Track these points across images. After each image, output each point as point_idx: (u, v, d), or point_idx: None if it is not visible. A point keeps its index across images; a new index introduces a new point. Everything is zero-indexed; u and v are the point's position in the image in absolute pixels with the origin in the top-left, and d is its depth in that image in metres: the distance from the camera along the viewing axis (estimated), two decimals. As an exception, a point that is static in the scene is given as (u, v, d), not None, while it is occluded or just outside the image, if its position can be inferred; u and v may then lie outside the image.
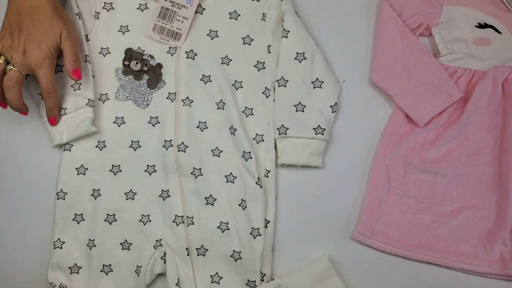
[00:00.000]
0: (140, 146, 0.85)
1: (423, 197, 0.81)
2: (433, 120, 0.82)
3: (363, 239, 0.80)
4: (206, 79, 0.86)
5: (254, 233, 0.80)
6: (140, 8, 0.88)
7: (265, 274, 0.79)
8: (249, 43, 0.87)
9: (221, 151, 0.84)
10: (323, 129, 0.82)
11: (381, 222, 0.80)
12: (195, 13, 0.87)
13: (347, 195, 0.83)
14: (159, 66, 0.88)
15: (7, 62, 0.77)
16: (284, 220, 0.83)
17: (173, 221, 0.82)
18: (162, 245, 0.81)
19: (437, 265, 0.79)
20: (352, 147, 0.85)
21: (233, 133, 0.84)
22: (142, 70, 0.88)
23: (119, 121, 0.86)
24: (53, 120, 0.82)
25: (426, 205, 0.81)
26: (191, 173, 0.83)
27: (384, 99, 0.86)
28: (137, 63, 0.88)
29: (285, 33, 0.85)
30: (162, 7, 0.87)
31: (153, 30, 0.87)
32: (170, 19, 0.87)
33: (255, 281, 0.79)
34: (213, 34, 0.87)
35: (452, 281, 0.79)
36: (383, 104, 0.86)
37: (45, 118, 0.83)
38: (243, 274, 0.79)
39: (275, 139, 0.84)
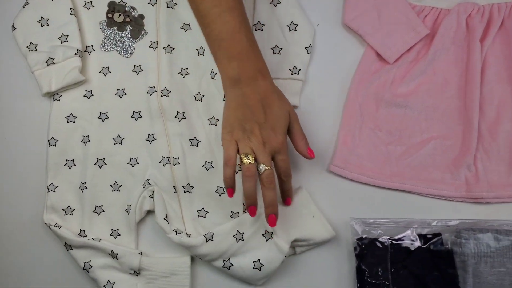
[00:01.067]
0: (126, 94, 0.89)
1: (394, 129, 0.86)
2: (402, 57, 0.87)
3: (338, 171, 0.85)
4: (186, 27, 0.90)
5: (237, 168, 0.85)
6: (120, -40, 0.92)
7: (247, 206, 0.85)
8: (226, -9, 0.91)
9: (203, 96, 0.88)
10: (298, 70, 0.87)
11: (354, 154, 0.85)
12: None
13: (323, 131, 0.88)
14: (141, 17, 0.91)
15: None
16: (265, 157, 0.88)
17: (160, 162, 0.86)
18: (150, 184, 0.86)
19: (408, 191, 0.85)
20: (326, 86, 0.89)
21: (213, 77, 0.88)
22: (125, 21, 0.91)
23: (105, 71, 0.90)
24: (289, 201, 0.82)
25: (397, 137, 0.86)
26: (175, 117, 0.87)
27: (356, 39, 0.90)
28: (120, 15, 0.92)
29: (259, -21, 0.89)
30: (141, -42, 0.90)
31: (134, -20, 0.90)
32: (150, -30, 0.90)
33: (238, 212, 0.84)
34: (191, -17, 0.91)
35: (422, 205, 0.85)
36: (355, 44, 0.90)
37: (33, 69, 0.88)
38: (227, 207, 0.84)
39: (253, 81, 0.89)
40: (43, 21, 0.89)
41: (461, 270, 0.79)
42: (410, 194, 0.85)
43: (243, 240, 0.81)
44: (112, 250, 0.83)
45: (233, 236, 0.81)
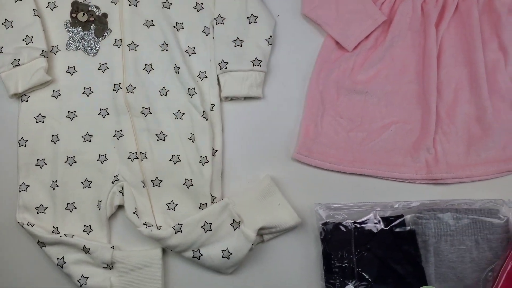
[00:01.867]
0: (93, 92, 0.91)
1: (355, 116, 0.88)
2: (361, 45, 0.88)
3: (302, 158, 0.87)
4: (149, 23, 0.91)
5: (203, 161, 0.87)
6: (80, -40, 0.92)
7: (215, 197, 0.87)
8: (187, -14, 0.92)
9: (168, 90, 0.90)
10: (260, 61, 0.88)
11: (317, 142, 0.87)
12: (133, -39, 0.92)
13: (287, 120, 0.90)
14: (105, 15, 0.92)
15: None
16: (232, 148, 0.90)
17: (128, 158, 0.88)
18: (119, 180, 0.88)
19: (371, 176, 0.87)
20: (289, 76, 0.91)
21: (177, 72, 0.90)
22: (89, 20, 0.92)
23: (71, 70, 0.91)
24: None
25: (358, 124, 0.88)
26: (141, 112, 0.89)
27: (316, 29, 0.91)
28: (83, 14, 0.93)
29: (219, -27, 0.90)
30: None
31: (95, -20, 0.92)
32: (110, -31, 0.91)
33: (206, 203, 0.86)
34: (152, -19, 0.92)
35: (384, 189, 0.87)
36: (315, 34, 0.91)
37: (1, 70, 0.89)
38: (195, 199, 0.86)
39: (217, 75, 0.90)
40: (7, 23, 0.90)
41: (423, 249, 0.81)
42: (372, 178, 0.87)
43: (211, 230, 0.83)
44: (84, 245, 0.85)
45: (201, 227, 0.83)
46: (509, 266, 0.77)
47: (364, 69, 0.88)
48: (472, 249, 0.80)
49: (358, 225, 0.82)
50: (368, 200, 0.86)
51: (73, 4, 0.93)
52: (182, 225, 0.83)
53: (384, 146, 0.87)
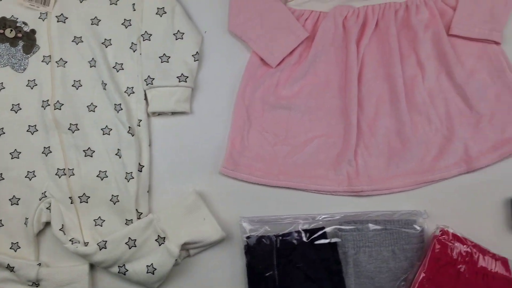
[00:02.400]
0: (21, 108, 0.91)
1: (280, 130, 0.90)
2: (285, 61, 0.90)
3: (228, 173, 0.89)
4: (77, 40, 0.92)
5: (128, 177, 0.87)
6: (9, -24, 0.92)
7: (141, 213, 0.87)
8: (115, 3, 0.93)
9: (96, 106, 0.90)
10: (186, 77, 0.89)
11: (244, 156, 0.89)
12: (61, -22, 0.92)
13: (215, 135, 0.91)
14: (33, 32, 0.92)
15: None
16: (160, 163, 0.91)
17: (55, 174, 0.88)
18: (47, 196, 0.88)
19: (295, 188, 0.89)
20: (217, 91, 0.93)
21: (105, 88, 0.90)
22: (16, 37, 0.92)
23: (-1, 87, 0.92)
24: None
25: (283, 138, 0.90)
26: (69, 129, 0.89)
27: (243, 45, 0.93)
28: (11, 30, 0.93)
29: (146, -10, 0.91)
30: (29, -26, 0.92)
31: (24, -4, 0.92)
32: (38, -15, 0.92)
33: (132, 219, 0.87)
34: (81, -2, 0.93)
35: (308, 201, 0.89)
36: (242, 50, 0.93)
37: None
38: (121, 214, 0.87)
39: (144, 90, 0.91)
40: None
41: (343, 261, 0.83)
42: (297, 191, 0.89)
43: (135, 246, 0.84)
44: (8, 264, 0.85)
45: (126, 243, 0.84)
46: (421, 276, 0.79)
47: (288, 85, 0.90)
48: (389, 260, 0.83)
49: (280, 238, 0.84)
50: (293, 212, 0.88)
51: (0, 20, 0.93)
52: (106, 241, 0.84)
53: (308, 159, 0.89)
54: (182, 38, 0.91)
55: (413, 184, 0.87)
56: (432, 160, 0.87)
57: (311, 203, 0.88)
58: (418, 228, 0.83)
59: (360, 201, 0.88)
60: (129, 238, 0.84)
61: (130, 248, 0.84)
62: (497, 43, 0.89)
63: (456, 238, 0.81)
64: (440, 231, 0.82)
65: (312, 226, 0.85)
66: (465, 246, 0.80)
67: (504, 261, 0.81)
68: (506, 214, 0.87)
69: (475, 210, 0.87)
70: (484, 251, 0.81)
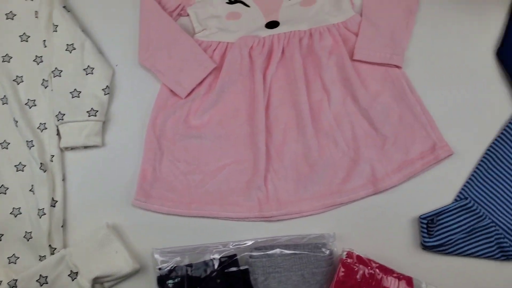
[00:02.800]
0: None
1: (192, 159, 0.91)
2: (195, 91, 0.92)
3: (141, 204, 0.89)
4: (-19, 73, 0.92)
5: (40, 213, 0.88)
6: None
7: (55, 248, 0.88)
8: (26, 40, 0.94)
9: (9, 143, 0.91)
10: (96, 111, 0.90)
11: (156, 187, 0.90)
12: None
13: (128, 167, 0.92)
14: None
15: None
16: (74, 197, 0.92)
17: (-31, 213, 0.89)
18: (-41, 236, 0.88)
19: (208, 217, 0.90)
20: (129, 123, 0.94)
21: (16, 125, 0.91)
22: None
23: None
24: None
25: (195, 167, 0.91)
26: (-18, 167, 0.90)
27: (155, 77, 0.94)
28: None
29: (55, 27, 0.92)
30: None
31: None
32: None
33: (45, 255, 0.87)
34: (-8, 36, 0.93)
35: (221, 229, 0.90)
36: (154, 81, 0.94)
37: None
38: (35, 251, 0.87)
39: (56, 126, 0.92)
40: None
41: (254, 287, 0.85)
42: (210, 219, 0.90)
43: (47, 283, 0.85)
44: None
45: (36, 280, 0.84)
46: (328, 299, 0.81)
47: (198, 115, 0.91)
48: (299, 284, 0.84)
49: (191, 268, 0.85)
50: (207, 240, 0.88)
51: None
52: (17, 280, 0.84)
53: (220, 187, 0.90)
54: (92, 73, 0.92)
55: (322, 207, 0.89)
56: (340, 183, 0.89)
57: (224, 230, 0.90)
58: (326, 251, 0.85)
59: (272, 226, 0.90)
60: (40, 275, 0.85)
61: (41, 286, 0.84)
62: (398, 66, 0.92)
63: (360, 260, 0.82)
64: (346, 254, 0.84)
65: (224, 254, 0.86)
66: (368, 268, 0.82)
67: (408, 280, 0.83)
68: (414, 233, 0.89)
69: (384, 231, 0.89)
70: (388, 272, 0.83)
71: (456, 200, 0.89)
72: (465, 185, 0.89)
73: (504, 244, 0.85)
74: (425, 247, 0.87)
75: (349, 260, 0.82)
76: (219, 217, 0.90)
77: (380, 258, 0.86)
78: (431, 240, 0.86)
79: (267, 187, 0.89)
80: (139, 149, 0.92)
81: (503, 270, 0.88)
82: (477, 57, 0.94)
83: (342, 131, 0.90)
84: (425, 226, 0.87)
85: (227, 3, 0.95)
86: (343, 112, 0.91)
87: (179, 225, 0.90)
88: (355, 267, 0.82)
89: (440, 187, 0.90)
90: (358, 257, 0.83)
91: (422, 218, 0.87)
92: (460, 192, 0.89)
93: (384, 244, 0.89)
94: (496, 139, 0.90)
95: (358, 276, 0.81)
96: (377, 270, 0.82)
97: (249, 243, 0.87)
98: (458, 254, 0.87)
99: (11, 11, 0.95)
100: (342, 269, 0.82)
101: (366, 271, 0.82)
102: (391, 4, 0.93)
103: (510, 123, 0.90)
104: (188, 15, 0.95)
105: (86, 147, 0.92)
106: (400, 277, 0.83)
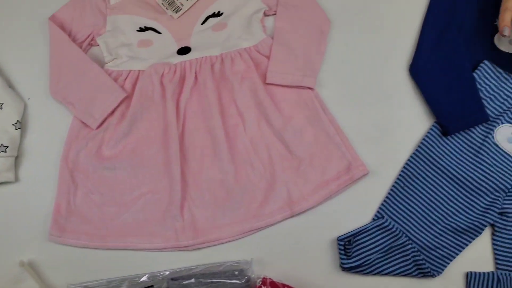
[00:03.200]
0: None
1: (107, 191, 0.90)
2: (107, 121, 0.91)
3: (56, 239, 0.88)
4: None
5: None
6: None
7: (-32, 290, 0.86)
8: None
9: None
10: (6, 147, 0.89)
11: (71, 221, 0.89)
12: None
13: (43, 202, 0.90)
14: None
15: None
16: (-12, 236, 0.90)
17: None
18: None
19: (124, 249, 0.89)
20: (43, 157, 0.92)
21: None
22: None
23: None
24: None
25: (110, 198, 0.90)
26: None
27: (68, 109, 0.93)
28: None
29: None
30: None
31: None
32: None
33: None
34: None
35: (138, 260, 0.88)
36: (67, 114, 0.93)
37: None
38: None
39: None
40: None
41: (171, 318, 0.84)
42: (128, 250, 0.89)
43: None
44: None
45: None
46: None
47: (111, 145, 0.90)
48: (216, 313, 0.84)
49: (106, 302, 0.84)
50: (125, 273, 0.87)
51: None
52: None
53: (136, 217, 0.89)
54: (1, 108, 0.90)
55: (240, 232, 0.88)
56: (258, 207, 0.89)
57: (142, 261, 0.88)
58: (243, 278, 0.84)
59: (190, 255, 0.89)
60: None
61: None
62: (311, 88, 0.92)
63: (274, 286, 0.82)
64: (261, 281, 0.83)
65: (141, 286, 0.85)
66: (282, 293, 0.82)
67: (325, 304, 0.83)
68: (333, 254, 0.89)
69: (303, 254, 0.88)
70: (304, 296, 0.83)
71: (373, 220, 0.89)
72: (382, 204, 0.90)
73: (420, 262, 0.86)
74: (344, 269, 0.86)
75: (262, 287, 0.82)
76: (136, 248, 0.88)
77: (299, 281, 0.86)
78: (349, 261, 0.86)
79: (183, 215, 0.88)
80: (54, 183, 0.90)
81: (423, 287, 0.88)
82: (391, 75, 0.95)
83: (258, 154, 0.90)
84: (342, 247, 0.87)
85: (138, 31, 0.94)
86: (258, 135, 0.91)
87: (97, 258, 0.88)
88: (268, 293, 0.82)
89: (358, 207, 0.90)
90: (272, 283, 0.82)
91: (339, 239, 0.87)
92: (378, 211, 0.89)
93: (304, 267, 0.88)
94: (411, 156, 0.91)
95: (272, 303, 0.81)
96: (291, 295, 0.82)
97: (166, 273, 0.86)
98: (377, 274, 0.87)
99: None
100: (256, 297, 0.81)
101: (281, 296, 0.82)
102: (303, 26, 0.94)
103: (424, 139, 0.91)
104: (98, 45, 0.95)
105: (1, 183, 0.91)
106: (316, 300, 0.83)
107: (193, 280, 0.84)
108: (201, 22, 0.95)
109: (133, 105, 0.90)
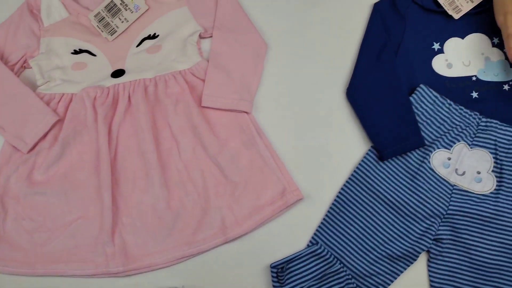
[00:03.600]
0: None
1: (38, 216, 0.88)
2: (38, 145, 0.90)
3: (-15, 267, 0.86)
4: None
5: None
6: None
7: None
8: None
9: None
10: None
11: (0, 248, 0.87)
12: None
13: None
14: None
15: None
16: None
17: None
18: None
19: (53, 276, 0.87)
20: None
21: None
22: None
23: None
24: None
25: (41, 224, 0.88)
26: None
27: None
28: None
29: None
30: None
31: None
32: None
33: None
34: None
35: (74, 285, 0.87)
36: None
37: None
38: None
39: None
40: None
41: None
42: (57, 277, 0.87)
43: None
44: None
45: None
46: None
47: (42, 170, 0.89)
48: None
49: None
50: (55, 300, 0.86)
51: None
52: None
53: (67, 243, 0.87)
54: None
55: (173, 259, 0.87)
56: (191, 234, 0.87)
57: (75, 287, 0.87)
58: (172, 306, 0.83)
59: (122, 282, 0.87)
60: None
61: None
62: (246, 112, 0.91)
63: (202, 315, 0.81)
64: (189, 309, 0.82)
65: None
66: (209, 323, 0.80)
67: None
68: (267, 281, 0.87)
69: (236, 280, 0.87)
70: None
71: (308, 246, 0.88)
72: (317, 230, 0.88)
73: (353, 289, 0.85)
74: (277, 296, 0.86)
75: (190, 316, 0.81)
76: (65, 275, 0.87)
77: (232, 309, 0.85)
78: (282, 288, 0.85)
79: (114, 241, 0.87)
80: (-9, 211, 0.89)
81: (358, 314, 0.87)
82: (328, 99, 0.94)
83: (192, 180, 0.89)
84: (275, 274, 0.85)
85: (72, 53, 0.93)
86: (193, 160, 0.89)
87: (28, 285, 0.87)
88: (195, 323, 0.80)
89: (294, 233, 0.89)
90: (200, 312, 0.81)
91: (272, 266, 0.85)
92: (312, 237, 0.88)
93: (237, 294, 0.87)
94: (347, 181, 0.90)
95: (198, 333, 0.80)
96: (218, 325, 0.81)
97: (96, 301, 0.85)
98: (310, 301, 0.86)
99: None
100: (182, 326, 0.80)
101: (208, 326, 0.80)
102: (239, 49, 0.93)
103: (360, 164, 0.90)
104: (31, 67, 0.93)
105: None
106: (246, 329, 0.82)
107: (121, 308, 0.83)
108: (136, 44, 0.94)
109: (65, 129, 0.89)
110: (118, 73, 0.92)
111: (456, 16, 0.94)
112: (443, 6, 0.94)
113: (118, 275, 0.86)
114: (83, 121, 0.90)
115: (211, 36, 0.95)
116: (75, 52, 0.93)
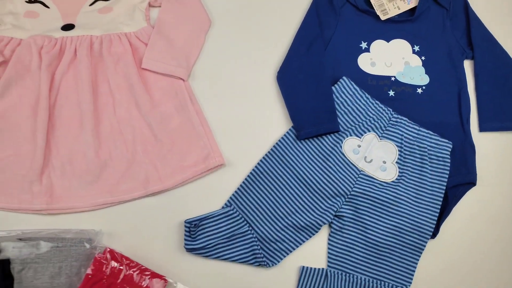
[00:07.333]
0: None
1: None
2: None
3: None
4: None
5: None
6: None
7: None
8: None
9: None
10: None
11: None
12: None
13: None
14: None
15: None
16: None
17: None
18: None
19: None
20: None
21: None
22: None
23: None
24: None
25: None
26: None
27: None
28: None
29: None
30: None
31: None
32: None
33: None
34: None
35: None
36: None
37: None
38: None
39: None
40: None
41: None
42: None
43: None
44: None
45: None
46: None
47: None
48: (56, 275, 0.87)
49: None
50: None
51: None
52: None
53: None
54: None
55: (94, 205, 0.93)
56: (114, 184, 0.94)
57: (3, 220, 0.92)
58: (87, 246, 0.89)
59: (43, 219, 0.93)
60: None
61: None
62: (183, 79, 0.98)
63: (113, 257, 0.87)
64: (103, 251, 0.88)
65: (-15, 244, 0.89)
66: (118, 264, 0.87)
67: (160, 279, 0.88)
68: (180, 236, 0.95)
69: (153, 232, 0.94)
70: (142, 270, 0.88)
71: (222, 208, 0.96)
72: (233, 194, 0.96)
73: (257, 252, 0.93)
74: (187, 249, 0.92)
75: (102, 256, 0.87)
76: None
77: (144, 257, 0.92)
78: (193, 243, 0.92)
79: (42, 181, 0.92)
80: None
81: (260, 276, 0.95)
82: (260, 77, 1.02)
83: (123, 134, 0.95)
84: (188, 229, 0.93)
85: (26, 2, 0.98)
86: (126, 116, 0.96)
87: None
88: (105, 262, 0.86)
89: (212, 195, 0.96)
90: (112, 254, 0.87)
91: (186, 222, 0.93)
92: (228, 201, 0.96)
93: (151, 244, 0.94)
94: (266, 154, 0.98)
95: (107, 271, 0.86)
96: (127, 266, 0.87)
97: (14, 233, 0.90)
98: (217, 258, 0.93)
99: None
100: (93, 264, 0.86)
101: (117, 266, 0.86)
102: (184, 21, 1.00)
103: (279, 140, 0.98)
104: (-14, 10, 0.98)
105: None
106: (154, 275, 0.88)
107: (40, 242, 0.88)
108: (90, 3, 1.00)
109: (8, 71, 0.94)
110: (68, 27, 0.97)
111: (383, 17, 1.04)
112: (374, 6, 1.04)
113: (41, 212, 0.92)
114: (27, 66, 0.95)
115: (159, 6, 1.02)
116: (30, 1, 0.98)
